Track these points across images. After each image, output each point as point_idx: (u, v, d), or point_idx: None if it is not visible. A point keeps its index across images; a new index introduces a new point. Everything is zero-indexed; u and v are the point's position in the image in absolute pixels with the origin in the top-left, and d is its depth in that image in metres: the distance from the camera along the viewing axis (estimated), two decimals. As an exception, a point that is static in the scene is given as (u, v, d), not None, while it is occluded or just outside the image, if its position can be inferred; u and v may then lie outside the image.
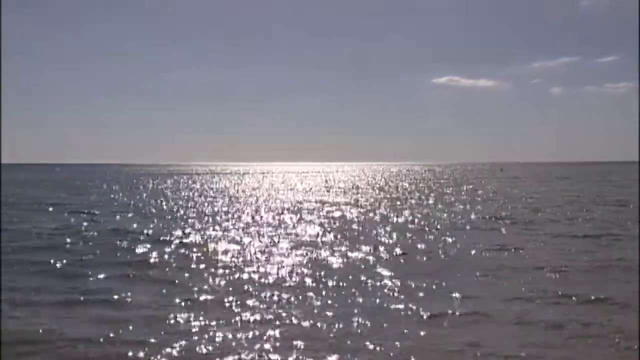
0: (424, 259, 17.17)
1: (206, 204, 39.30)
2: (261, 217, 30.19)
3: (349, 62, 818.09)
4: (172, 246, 19.28)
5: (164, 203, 40.44)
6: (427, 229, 24.45)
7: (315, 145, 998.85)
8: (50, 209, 34.16)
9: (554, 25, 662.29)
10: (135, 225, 25.37)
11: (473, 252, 18.09)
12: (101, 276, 14.46)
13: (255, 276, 14.34)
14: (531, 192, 52.24)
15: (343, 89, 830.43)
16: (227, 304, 11.72)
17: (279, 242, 20.34)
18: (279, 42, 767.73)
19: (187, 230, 23.56)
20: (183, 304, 11.74)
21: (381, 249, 18.67)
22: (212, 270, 15.12)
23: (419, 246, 19.32)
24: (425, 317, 10.80)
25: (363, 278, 14.05)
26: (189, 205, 38.77)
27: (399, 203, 40.17)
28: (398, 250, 18.24)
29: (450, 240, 20.63)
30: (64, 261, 16.36)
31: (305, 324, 10.40)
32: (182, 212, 33.13)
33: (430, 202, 41.05)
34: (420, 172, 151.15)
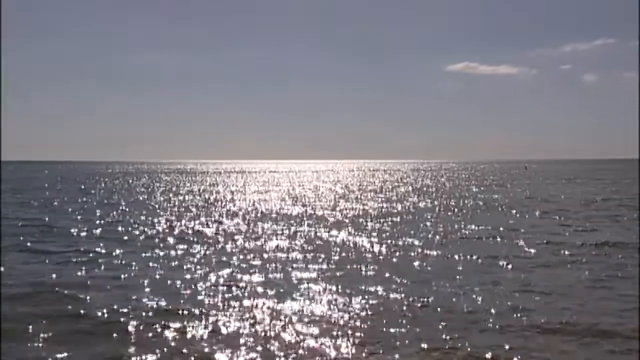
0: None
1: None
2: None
3: (350, 49, 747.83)
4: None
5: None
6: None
7: (314, 141, 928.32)
8: None
9: (586, 2, 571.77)
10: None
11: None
12: None
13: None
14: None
15: (343, 80, 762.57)
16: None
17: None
18: (277, 26, 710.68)
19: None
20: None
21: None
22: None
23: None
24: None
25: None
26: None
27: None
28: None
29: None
30: None
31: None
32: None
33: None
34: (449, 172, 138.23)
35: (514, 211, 31.02)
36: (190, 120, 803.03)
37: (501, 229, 23.11)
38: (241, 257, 16.71)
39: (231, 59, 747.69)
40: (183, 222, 26.27)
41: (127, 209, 33.24)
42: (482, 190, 52.88)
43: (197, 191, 53.18)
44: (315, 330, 9.71)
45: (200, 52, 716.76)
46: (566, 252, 17.39)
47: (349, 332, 9.59)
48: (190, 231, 22.91)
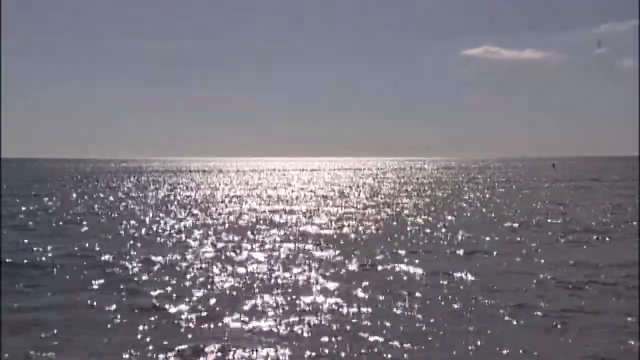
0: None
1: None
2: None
3: (355, 34, 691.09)
4: None
5: None
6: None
7: (315, 138, 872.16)
8: None
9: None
10: None
11: None
12: None
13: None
14: None
15: (348, 69, 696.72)
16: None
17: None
18: (274, 11, 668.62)
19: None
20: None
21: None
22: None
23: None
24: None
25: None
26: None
27: None
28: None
29: None
30: None
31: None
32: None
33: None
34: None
35: None
36: (188, 117, 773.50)
37: None
38: None
39: (229, 50, 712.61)
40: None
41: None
42: None
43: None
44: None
45: (197, 43, 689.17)
46: None
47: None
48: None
